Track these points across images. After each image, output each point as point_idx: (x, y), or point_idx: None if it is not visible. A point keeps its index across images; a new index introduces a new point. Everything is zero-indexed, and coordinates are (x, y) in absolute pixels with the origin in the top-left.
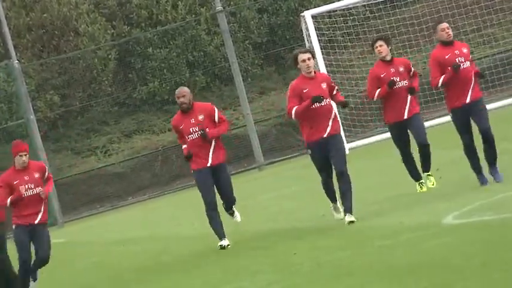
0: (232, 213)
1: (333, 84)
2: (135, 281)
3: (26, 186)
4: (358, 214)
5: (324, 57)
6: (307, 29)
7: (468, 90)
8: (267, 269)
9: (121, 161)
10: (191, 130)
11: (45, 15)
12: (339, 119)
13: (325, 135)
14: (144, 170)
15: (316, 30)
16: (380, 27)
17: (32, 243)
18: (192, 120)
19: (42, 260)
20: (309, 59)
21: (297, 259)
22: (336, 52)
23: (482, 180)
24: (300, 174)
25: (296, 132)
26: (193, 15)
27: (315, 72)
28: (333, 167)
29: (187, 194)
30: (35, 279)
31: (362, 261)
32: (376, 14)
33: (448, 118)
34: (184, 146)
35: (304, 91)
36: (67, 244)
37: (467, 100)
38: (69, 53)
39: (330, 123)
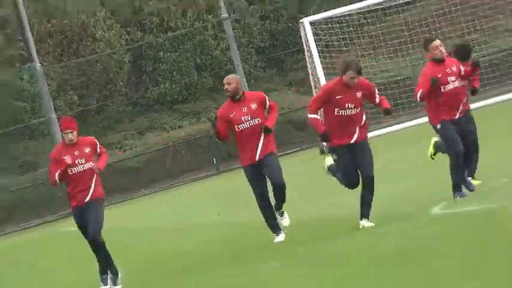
0: (281, 213)
1: (373, 90)
2: (141, 268)
3: (76, 162)
4: (353, 206)
5: (321, 61)
6: (305, 34)
7: (457, 107)
8: (274, 255)
9: (134, 156)
10: (243, 119)
11: (65, 21)
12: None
13: (352, 141)
14: (156, 164)
15: (314, 35)
16: (372, 32)
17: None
18: (244, 109)
19: (93, 238)
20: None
21: (295, 248)
22: (332, 56)
23: (470, 188)
24: (302, 169)
25: (295, 129)
26: (201, 22)
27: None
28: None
29: (195, 187)
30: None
31: (357, 249)
32: (369, 21)
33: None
34: (220, 141)
35: (337, 97)
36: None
37: (457, 115)
38: (87, 57)
39: (357, 130)
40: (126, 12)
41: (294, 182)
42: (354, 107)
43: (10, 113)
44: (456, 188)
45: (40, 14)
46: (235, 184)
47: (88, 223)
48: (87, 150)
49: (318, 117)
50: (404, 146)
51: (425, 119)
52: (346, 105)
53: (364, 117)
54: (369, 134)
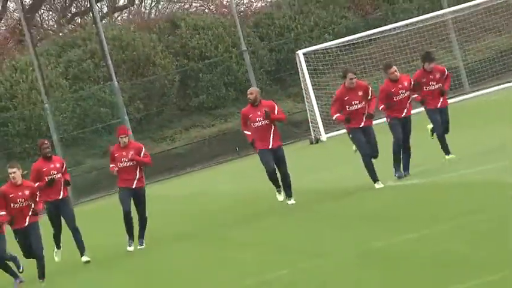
0: (290, 199)
1: (369, 91)
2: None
3: (123, 160)
4: (328, 179)
5: (310, 79)
6: (300, 61)
7: (404, 109)
8: (276, 211)
9: (182, 145)
10: (257, 119)
11: (134, 52)
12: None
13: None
14: (197, 152)
15: (305, 62)
16: (346, 60)
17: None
18: (259, 113)
19: (142, 217)
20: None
21: (294, 209)
22: (318, 76)
23: (400, 174)
24: (295, 154)
25: (292, 127)
26: (227, 53)
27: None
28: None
29: (222, 167)
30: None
31: (334, 209)
32: (344, 51)
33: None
34: (247, 133)
35: (346, 98)
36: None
37: (403, 115)
38: (149, 77)
39: (364, 118)
40: (176, 47)
41: (291, 163)
42: (359, 103)
43: (97, 116)
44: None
45: (117, 48)
46: (251, 165)
47: (135, 204)
48: (131, 152)
49: (339, 114)
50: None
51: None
52: (353, 102)
53: (369, 107)
54: (344, 130)
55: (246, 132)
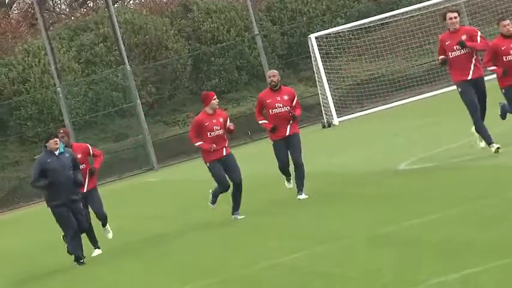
0: (300, 189)
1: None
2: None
3: (215, 128)
4: (343, 164)
5: (322, 64)
6: (312, 45)
7: (470, 69)
8: (288, 197)
9: None
10: (276, 105)
11: (146, 37)
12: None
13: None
14: None
15: (317, 46)
16: (359, 44)
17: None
18: (278, 98)
19: (237, 184)
20: (455, 17)
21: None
22: (330, 60)
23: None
24: (307, 138)
25: (304, 110)
26: (240, 37)
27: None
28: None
29: (237, 151)
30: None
31: (339, 194)
32: (356, 35)
33: (402, 102)
34: (263, 122)
35: (447, 43)
36: (160, 182)
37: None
38: (162, 61)
39: (472, 67)
40: (188, 30)
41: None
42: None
43: (109, 100)
44: None
45: (129, 32)
46: (262, 148)
47: (231, 172)
48: (221, 119)
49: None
50: (380, 122)
51: (394, 104)
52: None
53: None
54: (357, 114)
55: (261, 122)
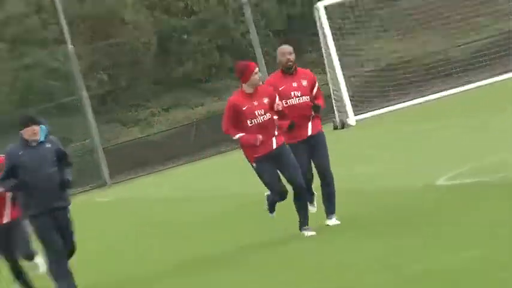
0: (311, 201)
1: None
2: (174, 234)
3: (257, 113)
4: (362, 175)
5: (334, 43)
6: (320, 18)
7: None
8: (287, 221)
9: (160, 131)
10: (292, 94)
11: (95, 6)
12: None
13: None
14: (180, 139)
15: (327, 19)
16: (383, 16)
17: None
18: (295, 84)
19: (297, 187)
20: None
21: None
22: (344, 38)
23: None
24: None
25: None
26: (222, 7)
27: None
28: None
29: (217, 160)
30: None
31: (364, 215)
32: (379, 5)
33: (442, 94)
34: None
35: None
36: (114, 202)
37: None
38: (117, 39)
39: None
40: None
41: None
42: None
43: (45, 92)
44: None
45: (73, 0)
46: None
47: (285, 169)
48: (265, 99)
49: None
50: (411, 121)
51: (431, 97)
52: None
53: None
54: (381, 111)
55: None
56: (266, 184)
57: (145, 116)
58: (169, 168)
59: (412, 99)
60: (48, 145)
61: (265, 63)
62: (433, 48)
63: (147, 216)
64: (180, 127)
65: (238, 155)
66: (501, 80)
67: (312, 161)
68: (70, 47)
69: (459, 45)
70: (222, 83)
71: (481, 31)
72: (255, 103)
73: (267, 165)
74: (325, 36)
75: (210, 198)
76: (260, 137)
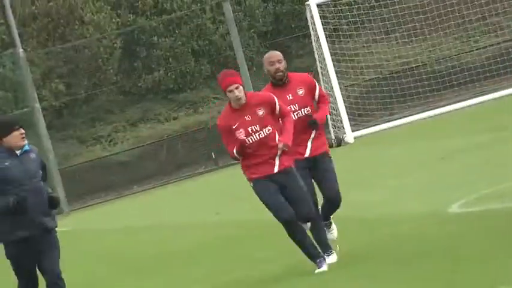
0: (329, 225)
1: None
2: (137, 270)
3: (251, 129)
4: (364, 202)
5: (329, 46)
6: (312, 17)
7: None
8: (271, 258)
9: (126, 150)
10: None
11: (50, 3)
12: None
13: None
14: (149, 159)
15: (321, 18)
16: (385, 15)
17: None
18: (290, 97)
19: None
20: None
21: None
22: (341, 41)
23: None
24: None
25: None
26: (198, 4)
27: None
28: None
29: (192, 183)
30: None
31: (368, 250)
32: (381, 3)
33: (454, 107)
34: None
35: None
36: (73, 232)
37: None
38: (75, 42)
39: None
40: None
41: None
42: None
43: None
44: None
45: None
46: (235, 180)
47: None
48: (261, 111)
49: None
50: (418, 138)
51: (441, 110)
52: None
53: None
54: (383, 126)
55: None
56: (266, 206)
57: (108, 132)
58: (136, 192)
59: (419, 113)
60: (32, 155)
61: (249, 69)
62: (445, 53)
63: (109, 248)
64: (149, 145)
65: (217, 177)
66: None
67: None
68: (20, 51)
69: (475, 49)
70: (198, 94)
71: (503, 32)
72: (247, 118)
73: (265, 185)
74: (318, 39)
75: (182, 228)
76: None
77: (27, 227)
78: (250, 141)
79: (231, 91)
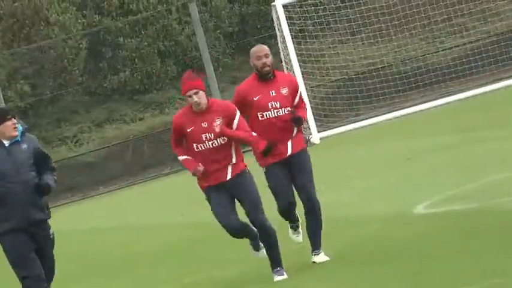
0: (295, 228)
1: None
2: (104, 271)
3: (205, 137)
4: (330, 203)
5: (295, 47)
6: (278, 18)
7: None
8: (237, 259)
9: (92, 150)
10: (270, 106)
11: (16, 4)
12: None
13: None
14: (115, 160)
15: (287, 19)
16: (351, 16)
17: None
18: (273, 93)
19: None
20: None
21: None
22: (307, 42)
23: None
24: None
25: None
26: (164, 5)
27: None
28: None
29: (158, 184)
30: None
31: (334, 251)
32: (347, 3)
33: (420, 107)
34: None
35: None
36: None
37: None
38: (40, 43)
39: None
40: None
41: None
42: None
43: None
44: None
45: None
46: None
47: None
48: (218, 120)
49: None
50: (384, 139)
51: (407, 111)
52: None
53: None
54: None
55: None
56: (216, 218)
57: (73, 132)
58: (102, 193)
59: (385, 113)
60: (23, 146)
61: (215, 70)
62: (411, 53)
63: (75, 249)
64: (115, 146)
65: (183, 178)
66: (492, 90)
67: (293, 185)
68: None
69: (442, 50)
70: (164, 94)
71: (469, 33)
72: (204, 124)
73: (217, 196)
74: (284, 40)
75: (149, 229)
76: (200, 168)
77: (12, 219)
78: (202, 148)
79: (189, 96)
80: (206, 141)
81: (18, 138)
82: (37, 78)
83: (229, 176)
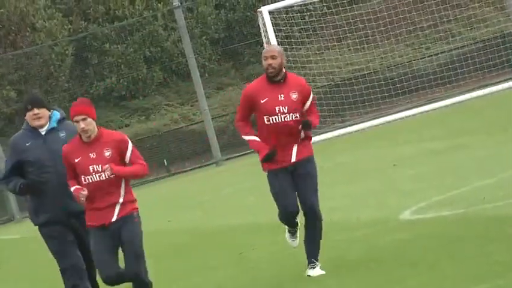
0: (294, 232)
1: None
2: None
3: (92, 169)
4: (324, 214)
5: None
6: (264, 24)
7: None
8: (224, 264)
9: None
10: (277, 110)
11: (1, 10)
12: None
13: None
14: None
15: (273, 26)
16: (337, 23)
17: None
18: (281, 97)
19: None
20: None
21: (255, 254)
22: (293, 48)
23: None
24: (257, 170)
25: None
26: (150, 11)
27: None
28: None
29: (144, 190)
30: None
31: (320, 257)
32: (333, 10)
33: (406, 114)
34: (251, 139)
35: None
36: (21, 240)
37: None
38: (26, 49)
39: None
40: (68, 0)
41: (250, 184)
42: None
43: None
44: None
45: None
46: (188, 187)
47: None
48: (107, 152)
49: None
50: (370, 145)
51: (393, 117)
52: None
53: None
54: (335, 133)
55: (248, 138)
56: (96, 264)
57: None
58: None
59: (371, 119)
60: (61, 134)
61: (201, 76)
62: (397, 60)
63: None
64: None
65: (169, 184)
66: (477, 97)
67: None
68: None
69: (428, 56)
70: (150, 101)
71: (455, 39)
72: (92, 155)
73: (98, 239)
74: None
75: None
76: (83, 197)
77: (49, 211)
78: (89, 181)
79: (76, 122)
80: (93, 174)
81: (54, 124)
82: (23, 84)
83: (114, 218)
